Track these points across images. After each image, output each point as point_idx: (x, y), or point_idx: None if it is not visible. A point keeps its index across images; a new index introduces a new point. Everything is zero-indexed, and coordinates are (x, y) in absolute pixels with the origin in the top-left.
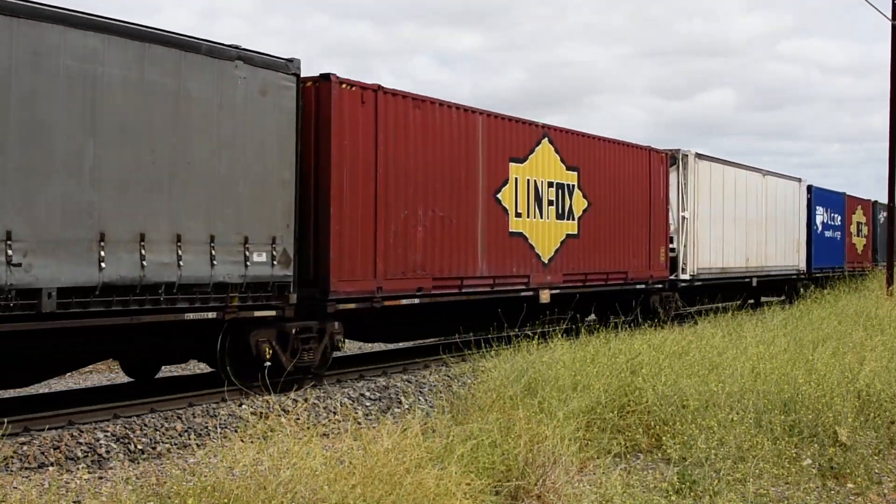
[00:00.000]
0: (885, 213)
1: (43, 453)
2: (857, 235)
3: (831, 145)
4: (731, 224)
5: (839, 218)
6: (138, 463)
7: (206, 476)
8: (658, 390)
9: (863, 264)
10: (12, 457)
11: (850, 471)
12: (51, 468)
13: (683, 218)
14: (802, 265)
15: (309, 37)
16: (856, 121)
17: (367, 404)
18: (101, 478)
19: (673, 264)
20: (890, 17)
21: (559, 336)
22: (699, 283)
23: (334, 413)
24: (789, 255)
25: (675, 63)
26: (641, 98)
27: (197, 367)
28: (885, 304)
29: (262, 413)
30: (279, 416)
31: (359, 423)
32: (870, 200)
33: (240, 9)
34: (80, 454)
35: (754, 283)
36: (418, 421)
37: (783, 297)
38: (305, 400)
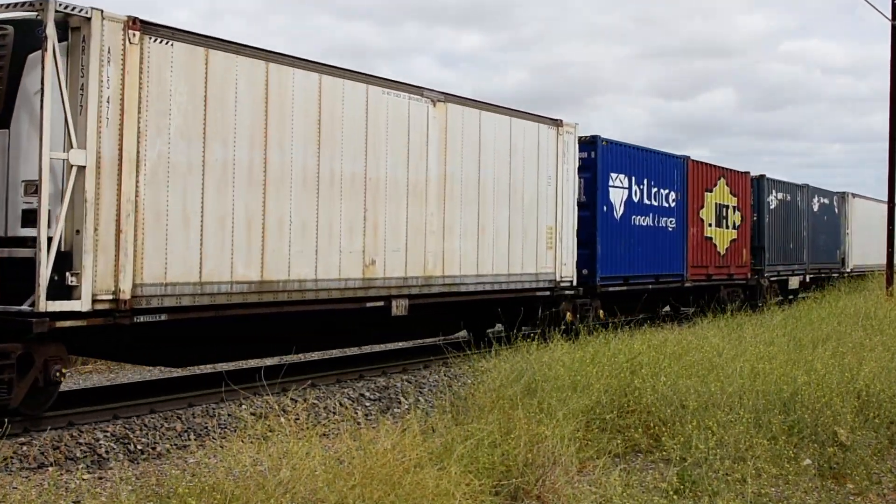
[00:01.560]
0: (783, 195)
1: (43, 453)
2: (719, 226)
3: (832, 145)
4: (304, 186)
5: (674, 196)
6: (138, 463)
7: (205, 476)
8: (657, 390)
9: (730, 270)
10: (12, 457)
11: (850, 471)
12: (51, 468)
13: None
14: (569, 273)
15: (311, 36)
16: (857, 121)
17: (367, 404)
18: (100, 478)
19: None
20: (890, 17)
21: (558, 336)
22: (144, 319)
23: (334, 413)
24: (529, 254)
25: (677, 63)
26: (643, 98)
27: (197, 368)
28: (885, 305)
29: (261, 413)
30: (278, 416)
31: (358, 424)
32: (747, 173)
33: (242, 8)
34: (79, 454)
35: (399, 311)
36: (418, 421)
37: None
38: (305, 400)
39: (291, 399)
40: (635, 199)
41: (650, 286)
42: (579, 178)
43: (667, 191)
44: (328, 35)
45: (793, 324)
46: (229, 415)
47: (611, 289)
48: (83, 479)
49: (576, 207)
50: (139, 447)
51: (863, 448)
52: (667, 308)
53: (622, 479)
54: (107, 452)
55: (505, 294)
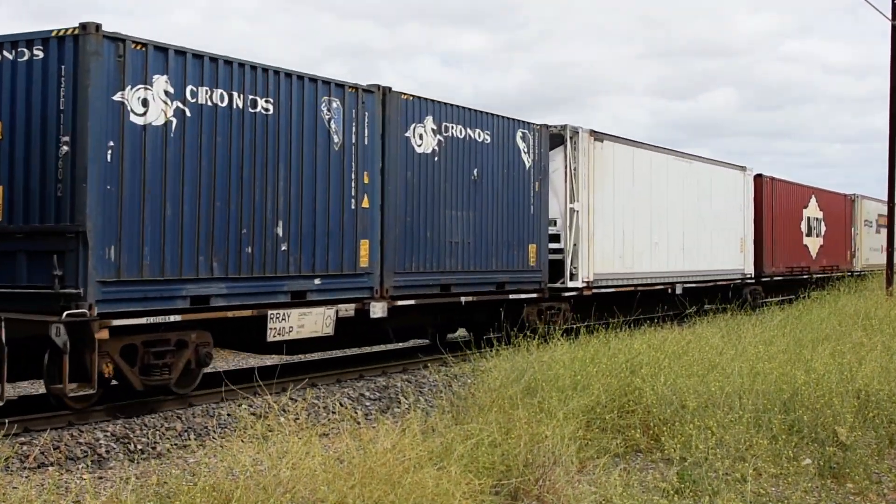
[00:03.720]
0: (220, 95)
1: (43, 453)
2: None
3: (833, 145)
4: None
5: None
6: (138, 463)
7: (205, 476)
8: (657, 390)
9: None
10: (12, 457)
11: (850, 470)
12: (51, 468)
13: None
14: None
15: (313, 37)
16: (857, 121)
17: (367, 404)
18: (101, 478)
19: None
20: (890, 17)
21: (558, 336)
22: None
23: (334, 413)
24: None
25: (679, 63)
26: (644, 98)
27: None
28: (885, 305)
29: (261, 413)
30: (278, 415)
31: (358, 423)
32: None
33: (244, 9)
34: (80, 454)
35: None
36: (418, 421)
37: None
38: (304, 399)
39: (291, 399)
40: None
41: None
42: None
43: None
44: (330, 36)
45: (792, 324)
46: (229, 415)
47: None
48: (83, 479)
49: None
50: (139, 447)
51: (863, 448)
52: None
53: (622, 479)
54: (107, 452)
55: None
